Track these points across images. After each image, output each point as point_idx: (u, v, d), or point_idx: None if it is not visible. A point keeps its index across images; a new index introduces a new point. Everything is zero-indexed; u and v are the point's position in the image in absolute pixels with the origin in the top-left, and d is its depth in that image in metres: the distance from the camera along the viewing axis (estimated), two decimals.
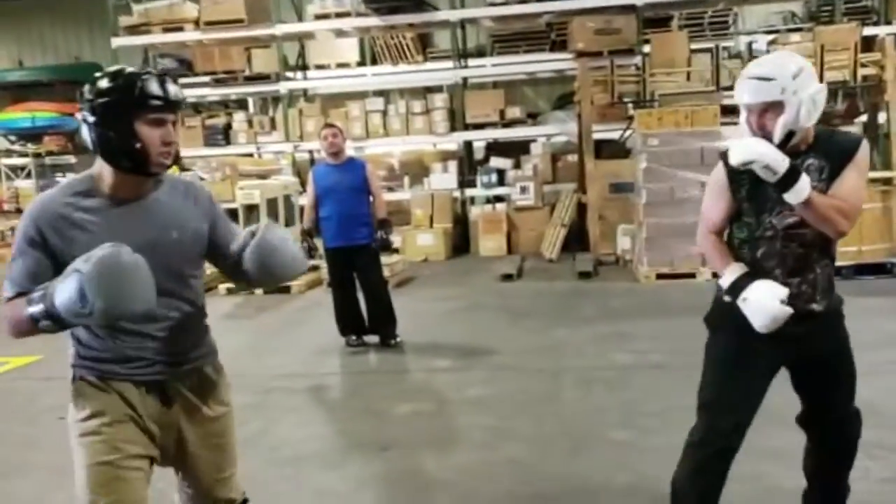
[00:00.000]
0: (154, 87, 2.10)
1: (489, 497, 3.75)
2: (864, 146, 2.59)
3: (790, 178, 2.43)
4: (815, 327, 2.76)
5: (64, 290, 1.90)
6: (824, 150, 2.59)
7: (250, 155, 13.27)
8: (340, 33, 13.43)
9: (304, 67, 13.87)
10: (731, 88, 10.03)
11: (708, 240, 2.79)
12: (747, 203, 2.68)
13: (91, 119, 2.10)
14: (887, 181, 8.50)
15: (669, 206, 8.58)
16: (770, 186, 2.49)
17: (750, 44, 10.19)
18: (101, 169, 2.18)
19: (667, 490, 3.08)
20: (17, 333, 2.07)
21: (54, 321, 1.95)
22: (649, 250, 8.69)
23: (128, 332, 2.18)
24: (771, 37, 11.10)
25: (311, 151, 13.00)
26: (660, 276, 8.61)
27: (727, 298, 2.70)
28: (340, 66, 13.44)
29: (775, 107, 2.49)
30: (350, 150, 8.53)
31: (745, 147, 2.46)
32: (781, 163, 2.42)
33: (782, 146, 2.51)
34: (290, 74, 13.51)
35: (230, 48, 13.46)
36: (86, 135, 2.13)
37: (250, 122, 13.38)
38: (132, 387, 2.22)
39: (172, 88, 2.14)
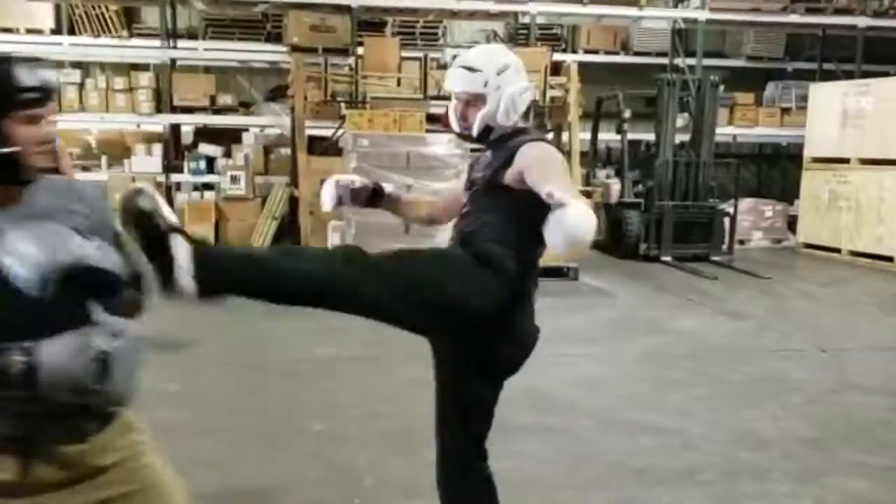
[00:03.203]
0: (27, 75, 1.70)
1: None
2: (529, 147, 2.42)
3: None
4: None
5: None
6: (499, 148, 2.51)
7: None
8: None
9: None
10: (437, 98, 10.70)
11: None
12: None
13: None
14: None
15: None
16: None
17: (455, 57, 10.80)
18: None
19: (359, 479, 3.19)
20: None
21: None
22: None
23: None
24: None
25: None
26: None
27: None
28: (31, 31, 12.18)
29: (477, 99, 2.47)
30: None
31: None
32: None
33: (481, 140, 2.53)
34: None
35: None
36: None
37: None
38: None
39: (48, 74, 1.75)
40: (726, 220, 10.77)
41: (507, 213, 2.42)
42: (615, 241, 10.82)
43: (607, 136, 11.79)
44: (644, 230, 10.43)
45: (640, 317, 7.43)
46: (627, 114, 10.81)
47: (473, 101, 2.48)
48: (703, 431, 4.52)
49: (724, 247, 10.64)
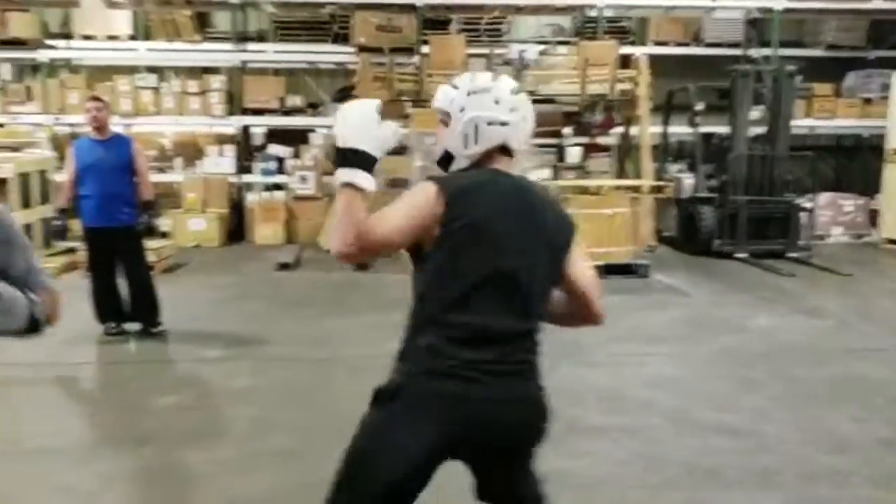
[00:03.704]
0: None
1: (251, 490, 3.68)
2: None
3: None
4: None
5: None
6: None
7: (2, 125, 12.06)
8: (111, 3, 12.55)
9: (68, 36, 12.82)
10: None
11: None
12: None
13: None
14: (636, 189, 9.31)
15: None
16: None
17: (521, 52, 10.73)
18: None
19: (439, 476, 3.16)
20: None
21: None
22: None
23: None
24: (541, 47, 11.77)
25: (72, 125, 12.04)
26: None
27: None
28: (110, 38, 12.57)
29: (445, 118, 2.21)
30: (117, 126, 8.04)
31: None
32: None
33: (443, 168, 2.23)
34: (51, 42, 12.44)
35: None
36: None
37: (3, 90, 12.17)
38: None
39: None
40: (803, 215, 10.43)
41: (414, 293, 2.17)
42: (688, 237, 10.58)
43: (679, 130, 11.53)
44: (718, 226, 10.18)
45: (714, 315, 7.23)
46: (700, 106, 10.56)
47: (443, 120, 2.22)
48: (779, 433, 4.36)
49: (802, 243, 10.30)
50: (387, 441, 2.09)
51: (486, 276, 2.04)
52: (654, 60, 11.02)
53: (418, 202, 2.04)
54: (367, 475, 2.10)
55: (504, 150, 2.18)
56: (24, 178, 9.25)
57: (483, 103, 2.15)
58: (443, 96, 2.23)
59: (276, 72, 13.32)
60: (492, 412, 2.06)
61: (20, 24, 12.19)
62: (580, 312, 2.34)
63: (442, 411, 2.04)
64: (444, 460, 2.09)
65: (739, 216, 10.08)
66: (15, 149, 10.40)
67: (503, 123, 2.15)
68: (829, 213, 11.66)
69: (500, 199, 2.10)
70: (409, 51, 11.63)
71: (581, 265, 2.26)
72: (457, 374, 2.03)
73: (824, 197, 11.51)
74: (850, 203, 12.00)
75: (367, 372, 5.34)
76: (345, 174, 1.99)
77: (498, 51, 10.96)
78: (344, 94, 12.92)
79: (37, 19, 12.18)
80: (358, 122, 2.04)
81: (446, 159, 2.21)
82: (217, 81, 12.09)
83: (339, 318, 6.97)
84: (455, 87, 2.22)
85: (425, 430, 2.03)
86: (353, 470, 2.14)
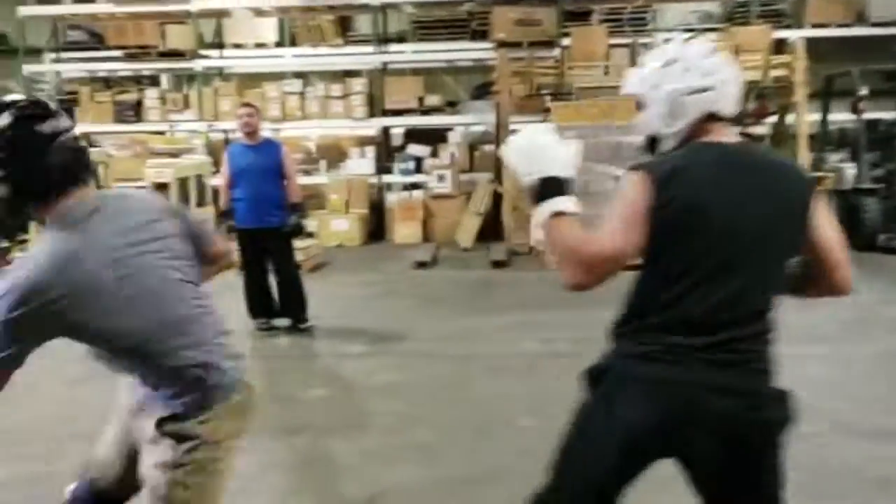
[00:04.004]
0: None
1: (396, 481, 3.72)
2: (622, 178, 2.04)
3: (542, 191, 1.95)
4: None
5: None
6: None
7: (162, 133, 12.85)
8: (259, 12, 13.11)
9: (221, 45, 13.50)
10: None
11: None
12: None
13: None
14: None
15: (583, 199, 8.55)
16: None
17: (667, 41, 10.36)
18: None
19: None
20: None
21: None
22: None
23: None
24: (688, 35, 11.32)
25: (225, 131, 12.67)
26: None
27: None
28: (258, 45, 13.15)
29: (640, 102, 2.09)
30: (266, 131, 8.35)
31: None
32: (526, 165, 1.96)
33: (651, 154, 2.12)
34: (205, 52, 13.13)
35: (144, 22, 12.98)
36: None
37: (163, 100, 12.94)
38: None
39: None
40: None
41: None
42: (850, 230, 9.86)
43: (840, 117, 10.79)
44: (884, 218, 9.45)
45: (880, 314, 6.70)
46: (864, 91, 9.82)
47: (638, 104, 2.10)
48: None
49: None
50: (591, 424, 2.10)
51: (707, 262, 1.91)
52: (812, 44, 10.40)
53: (631, 198, 1.91)
54: (578, 456, 2.12)
55: (713, 118, 2.01)
56: (183, 182, 9.78)
57: (674, 75, 2.01)
58: (633, 79, 2.12)
59: (415, 71, 13.50)
60: (696, 398, 1.92)
61: (177, 37, 12.95)
62: (825, 281, 2.14)
63: (644, 395, 1.95)
64: (655, 449, 2.01)
65: None
66: (174, 155, 11.03)
67: (702, 90, 1.98)
68: None
69: (716, 173, 1.93)
70: (548, 44, 11.49)
71: (824, 226, 2.03)
72: (661, 358, 1.94)
73: None
74: None
75: (505, 371, 5.33)
76: (547, 206, 1.93)
77: (642, 41, 10.62)
78: (482, 91, 12.96)
79: (192, 31, 12.87)
80: (536, 150, 1.99)
81: (651, 144, 2.09)
82: (358, 84, 12.38)
83: (478, 316, 6.94)
84: (643, 66, 2.10)
85: (628, 413, 1.96)
86: (567, 452, 2.17)
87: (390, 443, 4.20)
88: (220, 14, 13.35)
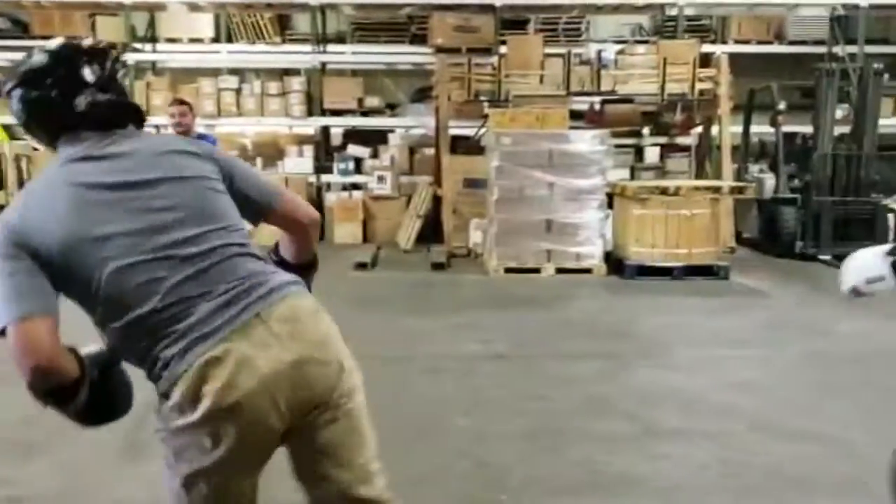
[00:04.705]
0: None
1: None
2: None
3: None
4: None
5: None
6: None
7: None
8: (194, 7, 12.96)
9: (154, 40, 13.29)
10: (580, 94, 10.61)
11: None
12: None
13: None
14: (716, 189, 9.16)
15: (519, 204, 8.88)
16: None
17: (599, 52, 10.67)
18: None
19: (505, 475, 3.20)
20: None
21: None
22: (499, 245, 8.96)
23: None
24: (619, 47, 11.68)
25: (157, 127, 12.46)
26: (508, 270, 8.90)
27: None
28: (193, 41, 12.99)
29: None
30: (200, 127, 8.28)
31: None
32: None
33: None
34: (138, 46, 12.91)
35: (73, 12, 12.68)
36: None
37: None
38: None
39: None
40: (891, 217, 10.08)
41: None
42: (769, 238, 10.35)
43: (760, 130, 11.29)
44: (801, 227, 9.92)
45: (798, 318, 7.07)
46: (782, 105, 10.31)
47: None
48: (868, 440, 4.24)
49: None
50: None
51: None
52: (735, 59, 10.84)
53: None
54: None
55: None
56: None
57: None
58: None
59: (355, 73, 13.55)
60: None
61: (108, 29, 12.67)
62: None
63: None
64: None
65: (823, 217, 9.81)
66: None
67: None
68: None
69: None
70: (486, 51, 11.68)
71: None
72: None
73: None
74: None
75: (444, 372, 5.46)
76: None
77: (576, 50, 10.91)
78: (421, 95, 13.09)
79: (124, 23, 12.63)
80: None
81: None
82: (297, 83, 12.36)
83: (417, 318, 7.05)
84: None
85: None
86: None
87: None
88: (154, 7, 13.14)
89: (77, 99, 1.87)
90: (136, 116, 2.01)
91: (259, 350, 1.80)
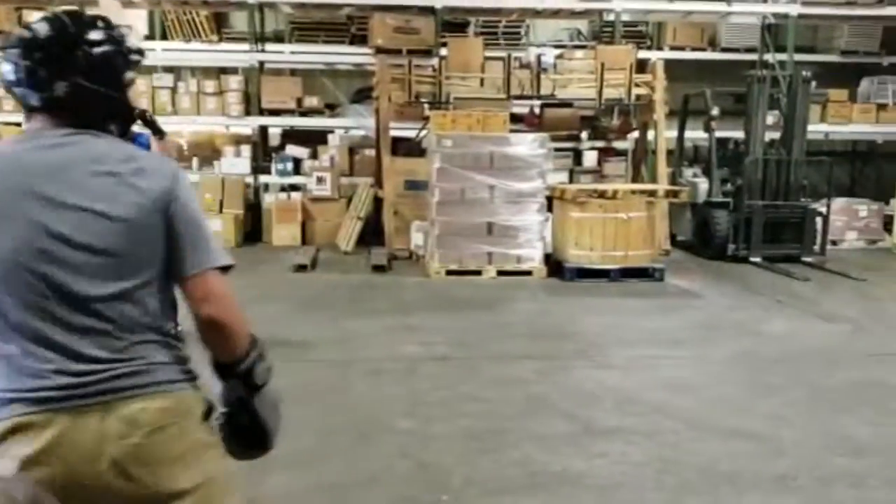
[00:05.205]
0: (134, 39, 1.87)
1: (273, 488, 3.73)
2: None
3: None
4: None
5: None
6: None
7: (18, 125, 12.18)
8: (128, 3, 12.65)
9: None
10: (520, 97, 10.70)
11: None
12: None
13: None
14: (652, 193, 9.35)
15: (460, 206, 8.92)
16: None
17: (539, 56, 10.78)
18: None
19: (447, 476, 3.24)
20: None
21: None
22: (440, 247, 8.98)
23: None
24: (558, 51, 11.82)
25: None
26: (449, 273, 8.92)
27: None
28: None
29: None
30: (134, 126, 8.10)
31: None
32: None
33: None
34: None
35: None
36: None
37: None
38: None
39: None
40: (818, 220, 10.43)
41: None
42: (702, 241, 10.60)
43: (694, 135, 11.57)
44: (733, 230, 10.19)
45: (729, 319, 7.27)
46: (715, 111, 10.57)
47: None
48: (796, 436, 4.40)
49: (817, 247, 10.30)
50: None
51: None
52: (671, 65, 11.07)
53: None
54: None
55: None
56: None
57: None
58: None
59: (294, 72, 13.41)
60: None
61: None
62: None
63: None
64: None
65: (754, 221, 10.09)
66: None
67: None
68: (843, 218, 11.65)
69: None
70: (427, 53, 11.70)
71: None
72: None
73: (839, 202, 11.51)
74: (864, 208, 12.00)
75: (385, 374, 5.46)
76: None
77: (516, 54, 11.00)
78: (361, 95, 13.04)
79: None
80: None
81: None
82: (234, 82, 12.18)
83: (358, 320, 7.03)
84: None
85: None
86: None
87: None
88: (85, 2, 12.73)
89: (57, 84, 1.72)
90: (122, 118, 1.86)
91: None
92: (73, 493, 1.66)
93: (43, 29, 1.74)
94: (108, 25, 1.80)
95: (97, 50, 1.75)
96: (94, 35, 1.76)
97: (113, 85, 1.79)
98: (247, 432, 1.92)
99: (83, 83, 1.73)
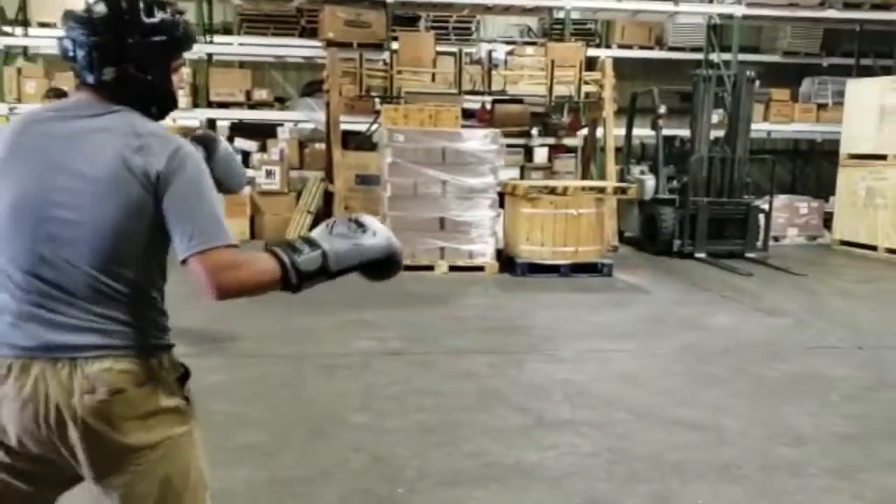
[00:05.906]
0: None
1: (227, 483, 3.70)
2: None
3: None
4: None
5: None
6: None
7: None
8: None
9: (26, 23, 12.61)
10: (471, 93, 10.75)
11: None
12: None
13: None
14: (601, 190, 9.49)
15: (412, 201, 8.93)
16: None
17: (490, 52, 10.85)
18: None
19: (401, 469, 3.24)
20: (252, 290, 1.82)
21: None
22: None
23: None
24: (509, 47, 11.90)
25: None
26: None
27: None
28: None
29: None
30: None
31: None
32: None
33: None
34: (7, 29, 12.23)
35: None
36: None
37: None
38: None
39: None
40: (761, 217, 10.70)
41: None
42: (649, 237, 10.80)
43: (642, 132, 11.76)
44: (679, 226, 10.39)
45: (676, 313, 7.42)
46: (662, 109, 10.77)
47: None
48: (740, 427, 4.53)
49: (759, 244, 10.57)
50: None
51: None
52: (619, 63, 11.25)
53: None
54: None
55: None
56: None
57: None
58: None
59: (242, 65, 13.27)
60: None
61: None
62: None
63: None
64: None
65: (699, 217, 10.30)
66: None
67: None
68: (785, 215, 11.98)
69: None
70: (378, 47, 11.68)
71: None
72: None
73: (781, 199, 11.83)
74: (804, 206, 12.36)
75: (338, 369, 5.45)
76: None
77: (467, 49, 11.04)
78: (311, 89, 12.95)
79: None
80: None
81: None
82: (182, 73, 11.98)
83: (310, 316, 6.98)
84: None
85: None
86: None
87: (220, 444, 4.12)
88: None
89: (106, 69, 1.79)
90: (162, 101, 1.93)
91: None
92: (34, 438, 1.77)
93: (100, 10, 1.78)
94: (164, 8, 1.83)
95: (149, 39, 1.80)
96: (149, 21, 1.80)
97: (159, 73, 1.86)
98: (376, 270, 2.01)
99: (131, 71, 1.79)
